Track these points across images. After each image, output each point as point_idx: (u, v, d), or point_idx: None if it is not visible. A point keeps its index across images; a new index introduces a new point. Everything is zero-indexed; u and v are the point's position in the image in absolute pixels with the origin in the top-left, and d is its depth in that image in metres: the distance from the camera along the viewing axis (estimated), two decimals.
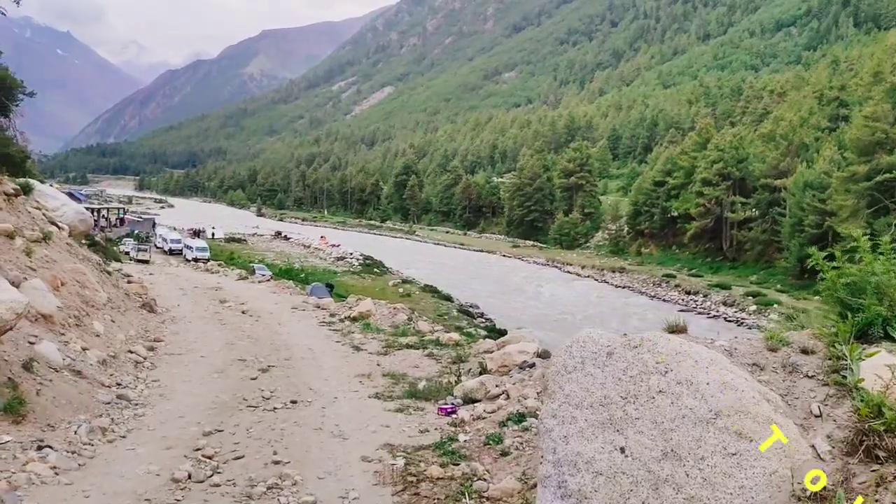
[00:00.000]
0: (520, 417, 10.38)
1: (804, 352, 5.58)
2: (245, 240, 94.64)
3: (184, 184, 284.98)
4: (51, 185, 38.03)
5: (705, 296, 61.99)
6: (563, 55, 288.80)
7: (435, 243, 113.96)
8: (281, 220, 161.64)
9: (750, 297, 57.49)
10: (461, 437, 10.05)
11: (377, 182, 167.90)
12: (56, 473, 8.13)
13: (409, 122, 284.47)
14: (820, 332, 5.67)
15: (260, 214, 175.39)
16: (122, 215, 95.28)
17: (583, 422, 5.26)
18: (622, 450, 4.96)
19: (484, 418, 10.88)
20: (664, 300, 63.24)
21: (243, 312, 24.20)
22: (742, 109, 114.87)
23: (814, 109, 78.23)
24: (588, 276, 78.26)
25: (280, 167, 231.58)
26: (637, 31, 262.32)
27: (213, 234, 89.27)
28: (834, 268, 5.75)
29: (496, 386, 12.32)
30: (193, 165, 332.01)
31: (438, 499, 7.96)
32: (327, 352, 17.82)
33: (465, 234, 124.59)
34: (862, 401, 4.63)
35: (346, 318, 23.57)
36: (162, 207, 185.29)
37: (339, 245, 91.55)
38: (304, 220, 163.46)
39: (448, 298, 57.16)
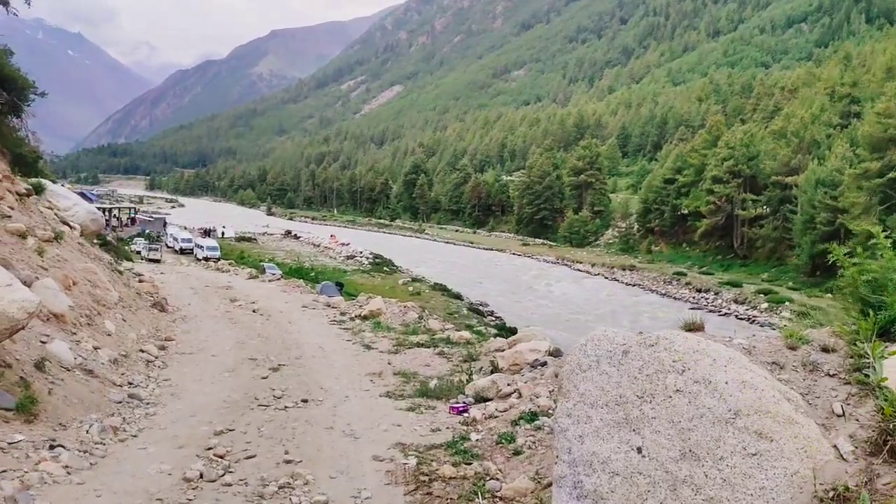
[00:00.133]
0: (532, 416, 10.31)
1: (825, 350, 5.48)
2: (255, 239, 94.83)
3: (194, 183, 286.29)
4: (63, 185, 38.20)
5: (716, 293, 61.65)
6: (572, 53, 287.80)
7: (444, 242, 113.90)
8: (291, 219, 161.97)
9: (761, 295, 57.12)
10: (473, 436, 10.00)
11: (387, 181, 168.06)
12: (68, 473, 8.13)
13: (418, 120, 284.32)
14: (840, 330, 5.56)
15: (270, 213, 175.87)
16: (133, 215, 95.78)
17: (598, 421, 5.18)
18: (639, 450, 4.88)
19: (496, 417, 10.82)
20: (675, 298, 62.94)
21: (254, 311, 24.22)
22: (753, 106, 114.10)
23: (825, 106, 77.66)
24: (598, 274, 78.01)
25: (290, 166, 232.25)
26: (647, 28, 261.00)
27: (223, 234, 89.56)
28: (854, 264, 5.63)
29: (508, 385, 12.25)
30: (204, 165, 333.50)
31: (451, 498, 7.90)
32: (338, 350, 17.80)
33: (474, 232, 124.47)
34: (885, 400, 4.54)
35: (356, 316, 23.55)
36: (173, 207, 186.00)
37: (348, 244, 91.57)
38: (313, 218, 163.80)
39: (458, 297, 57.07)
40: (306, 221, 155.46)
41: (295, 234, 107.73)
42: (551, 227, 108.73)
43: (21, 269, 12.85)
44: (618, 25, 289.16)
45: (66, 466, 8.24)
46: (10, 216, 15.43)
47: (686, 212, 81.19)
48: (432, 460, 9.10)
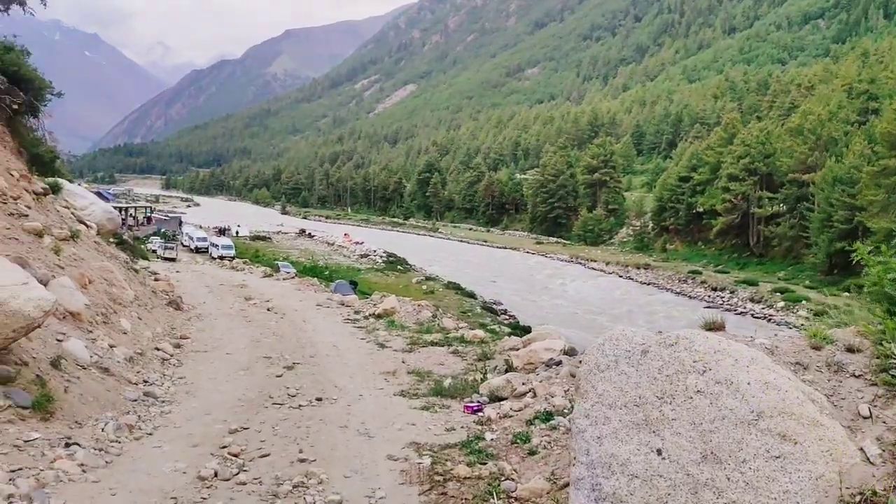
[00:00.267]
0: (547, 416, 10.21)
1: (850, 350, 5.36)
2: (270, 238, 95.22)
3: (209, 183, 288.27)
4: (79, 185, 38.47)
5: (732, 292, 61.18)
6: (586, 51, 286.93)
7: (458, 240, 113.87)
8: (305, 217, 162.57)
9: (777, 294, 56.63)
10: (488, 436, 9.92)
11: (400, 180, 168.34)
12: (83, 471, 8.13)
13: (431, 119, 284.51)
14: (866, 330, 5.44)
15: (284, 212, 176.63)
16: (149, 214, 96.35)
17: (617, 422, 5.09)
18: (659, 452, 4.78)
19: (510, 416, 10.73)
20: (690, 297, 62.58)
21: (268, 310, 24.26)
22: (769, 104, 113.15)
23: (843, 103, 76.89)
24: (612, 273, 77.69)
25: (304, 166, 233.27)
26: (661, 25, 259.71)
27: (238, 232, 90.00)
28: (879, 262, 5.51)
29: (522, 384, 12.16)
30: (219, 164, 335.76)
31: (466, 499, 7.83)
32: (352, 349, 17.77)
33: (488, 231, 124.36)
34: None
35: (370, 315, 23.53)
36: (188, 206, 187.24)
37: (362, 242, 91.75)
38: (327, 217, 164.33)
39: (472, 295, 56.98)
40: (320, 220, 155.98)
41: (309, 233, 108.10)
42: (565, 226, 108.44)
43: (37, 267, 12.90)
44: (632, 23, 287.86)
45: (82, 464, 8.25)
46: (27, 215, 15.51)
47: (701, 210, 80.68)
48: (447, 460, 9.04)
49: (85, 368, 11.30)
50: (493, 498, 7.66)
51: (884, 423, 4.70)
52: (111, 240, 25.07)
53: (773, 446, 4.43)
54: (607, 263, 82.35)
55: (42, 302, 9.56)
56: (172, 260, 49.23)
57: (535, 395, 11.46)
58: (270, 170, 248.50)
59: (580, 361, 9.71)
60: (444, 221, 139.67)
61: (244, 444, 9.66)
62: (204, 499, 7.79)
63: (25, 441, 8.29)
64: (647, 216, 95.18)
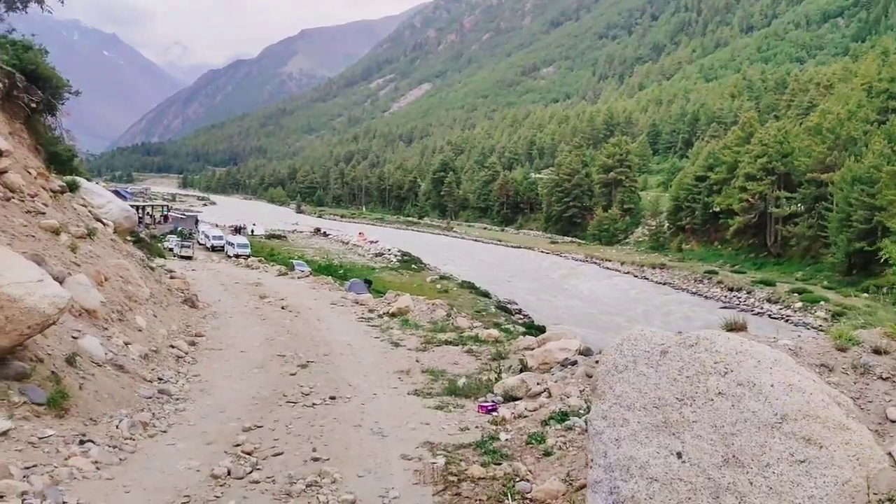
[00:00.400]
0: (562, 416, 10.12)
1: (877, 352, 5.22)
2: (285, 236, 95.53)
3: (225, 182, 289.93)
4: (97, 183, 38.72)
5: (748, 292, 60.59)
6: (601, 50, 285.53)
7: (473, 240, 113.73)
8: (320, 216, 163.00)
9: (795, 294, 56.01)
10: (502, 436, 9.84)
11: (415, 179, 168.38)
12: (97, 468, 8.14)
13: (446, 119, 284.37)
14: (893, 331, 5.30)
15: (299, 211, 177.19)
16: (165, 212, 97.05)
17: (635, 424, 4.98)
18: (679, 455, 4.67)
19: (525, 417, 10.65)
20: (706, 297, 62.06)
21: (283, 308, 24.30)
22: (787, 103, 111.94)
23: (862, 102, 75.87)
24: (627, 273, 77.24)
25: (319, 165, 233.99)
26: (678, 24, 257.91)
27: (253, 231, 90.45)
28: None
29: (537, 384, 12.07)
30: (235, 163, 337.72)
31: (480, 499, 7.76)
32: (366, 348, 17.73)
33: (502, 230, 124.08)
34: None
35: (384, 313, 23.51)
36: (204, 205, 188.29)
37: (377, 241, 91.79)
38: (342, 216, 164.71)
39: (486, 295, 56.81)
40: (335, 219, 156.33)
41: (324, 232, 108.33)
42: (580, 225, 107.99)
43: (54, 264, 12.96)
44: (648, 22, 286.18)
45: (96, 462, 8.26)
46: (44, 213, 15.60)
47: (718, 210, 79.96)
48: (461, 460, 8.96)
49: (100, 365, 11.33)
50: (508, 499, 7.57)
51: None
52: (128, 238, 25.21)
53: (798, 450, 4.31)
54: (622, 263, 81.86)
55: (57, 299, 9.58)
56: (189, 258, 49.54)
57: (550, 396, 11.37)
58: (286, 169, 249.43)
59: (597, 362, 9.58)
60: (458, 221, 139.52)
61: (258, 443, 9.64)
62: (217, 497, 7.77)
63: (40, 438, 8.31)
64: (663, 216, 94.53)
